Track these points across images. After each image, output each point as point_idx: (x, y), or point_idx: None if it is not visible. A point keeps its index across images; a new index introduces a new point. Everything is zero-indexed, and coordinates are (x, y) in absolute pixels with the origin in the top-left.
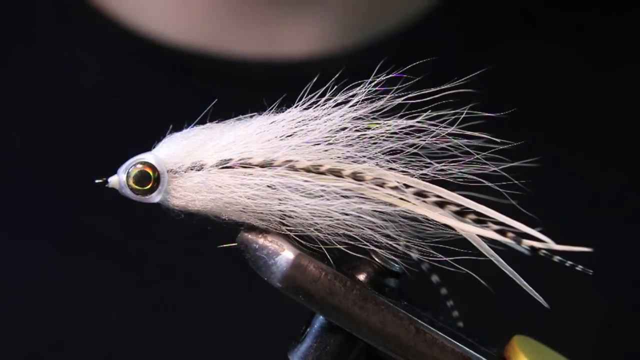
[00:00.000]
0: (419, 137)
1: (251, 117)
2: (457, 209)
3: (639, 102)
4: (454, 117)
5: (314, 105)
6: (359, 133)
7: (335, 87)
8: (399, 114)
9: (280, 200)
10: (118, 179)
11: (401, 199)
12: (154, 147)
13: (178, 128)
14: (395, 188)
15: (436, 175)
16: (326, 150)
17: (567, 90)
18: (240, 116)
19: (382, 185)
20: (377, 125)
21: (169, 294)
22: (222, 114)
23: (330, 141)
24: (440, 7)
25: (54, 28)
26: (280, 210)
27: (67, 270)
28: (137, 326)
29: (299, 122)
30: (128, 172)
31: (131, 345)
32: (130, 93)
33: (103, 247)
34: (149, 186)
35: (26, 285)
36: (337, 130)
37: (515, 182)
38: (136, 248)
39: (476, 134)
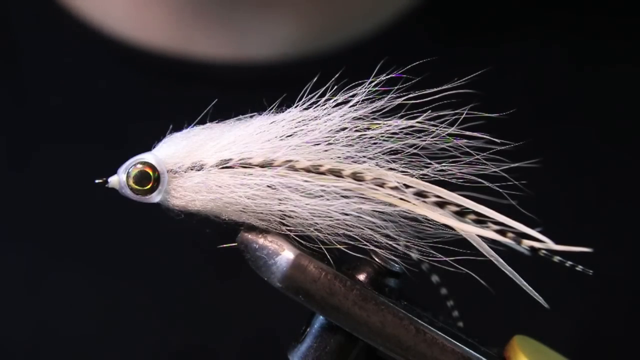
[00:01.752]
0: (419, 137)
1: (251, 117)
2: (457, 209)
3: (639, 101)
4: (454, 117)
5: (314, 105)
6: (359, 133)
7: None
8: (399, 114)
9: (280, 200)
10: (118, 179)
11: (401, 199)
12: (154, 147)
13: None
14: (395, 188)
15: (436, 176)
16: (326, 150)
17: (567, 90)
18: (240, 116)
19: (382, 185)
20: (377, 126)
21: (154, 295)
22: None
23: (330, 141)
24: (423, 7)
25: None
26: (280, 210)
27: (49, 272)
28: (123, 329)
29: (299, 122)
30: (128, 172)
31: (117, 348)
32: (100, 92)
33: (87, 249)
34: (149, 186)
35: (6, 288)
36: (337, 131)
37: (515, 182)
38: (124, 249)
39: (476, 134)
